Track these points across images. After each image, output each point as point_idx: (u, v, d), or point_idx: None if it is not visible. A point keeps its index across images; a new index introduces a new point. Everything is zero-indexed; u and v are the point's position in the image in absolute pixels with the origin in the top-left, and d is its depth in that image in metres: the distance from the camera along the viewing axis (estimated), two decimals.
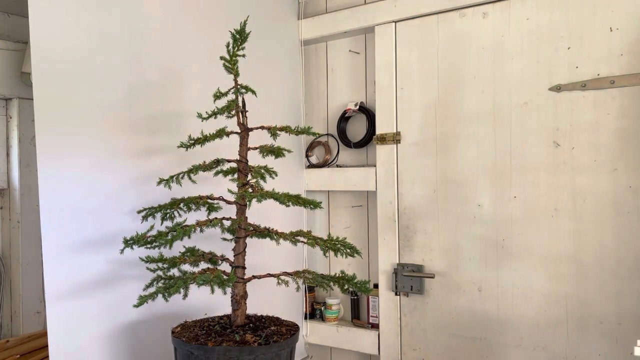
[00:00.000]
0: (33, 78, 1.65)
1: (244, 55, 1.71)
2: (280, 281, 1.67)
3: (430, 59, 2.43)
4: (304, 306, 2.82)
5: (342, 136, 2.76)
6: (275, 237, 1.69)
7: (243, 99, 1.74)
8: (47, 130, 1.68)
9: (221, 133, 1.72)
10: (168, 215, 1.70)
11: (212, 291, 1.61)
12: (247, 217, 1.71)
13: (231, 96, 1.72)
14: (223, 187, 1.74)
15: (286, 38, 2.77)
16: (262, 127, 1.73)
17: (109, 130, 1.87)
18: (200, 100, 1.89)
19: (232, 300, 1.71)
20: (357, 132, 2.76)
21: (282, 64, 2.74)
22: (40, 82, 1.66)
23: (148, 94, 2.00)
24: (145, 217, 1.69)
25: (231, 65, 1.69)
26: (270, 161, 1.75)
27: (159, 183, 1.73)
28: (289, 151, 1.77)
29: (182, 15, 2.18)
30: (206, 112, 1.71)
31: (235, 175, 1.73)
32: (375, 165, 2.59)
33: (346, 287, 1.70)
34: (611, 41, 2.03)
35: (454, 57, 2.37)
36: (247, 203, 1.68)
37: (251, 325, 1.72)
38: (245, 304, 1.72)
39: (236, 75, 1.71)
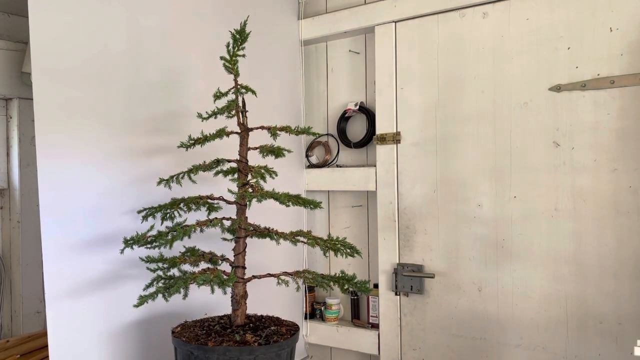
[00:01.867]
0: (33, 78, 1.65)
1: (244, 55, 1.71)
2: (280, 281, 1.67)
3: (430, 59, 2.43)
4: (304, 306, 2.82)
5: (342, 136, 2.76)
6: (275, 237, 1.69)
7: (243, 99, 1.75)
8: (47, 130, 1.68)
9: (221, 133, 1.72)
10: (168, 215, 1.70)
11: (212, 291, 1.61)
12: (247, 217, 1.71)
13: (231, 96, 1.72)
14: (223, 187, 1.74)
15: (286, 38, 2.77)
16: (262, 127, 1.74)
17: (109, 130, 1.86)
18: (200, 101, 1.89)
19: (232, 300, 1.71)
20: (357, 132, 2.76)
21: (282, 64, 2.73)
22: (40, 82, 1.66)
23: (148, 94, 2.00)
24: (145, 217, 1.70)
25: (231, 65, 1.69)
26: (270, 161, 1.75)
27: (159, 183, 1.73)
28: (289, 151, 1.77)
29: (182, 15, 2.18)
30: (206, 112, 1.71)
31: (235, 175, 1.73)
32: (375, 165, 2.59)
33: (346, 287, 1.70)
34: (611, 41, 2.03)
35: (454, 57, 2.37)
36: (247, 203, 1.68)
37: (251, 325, 1.73)
38: (245, 304, 1.72)
39: (236, 75, 1.72)
